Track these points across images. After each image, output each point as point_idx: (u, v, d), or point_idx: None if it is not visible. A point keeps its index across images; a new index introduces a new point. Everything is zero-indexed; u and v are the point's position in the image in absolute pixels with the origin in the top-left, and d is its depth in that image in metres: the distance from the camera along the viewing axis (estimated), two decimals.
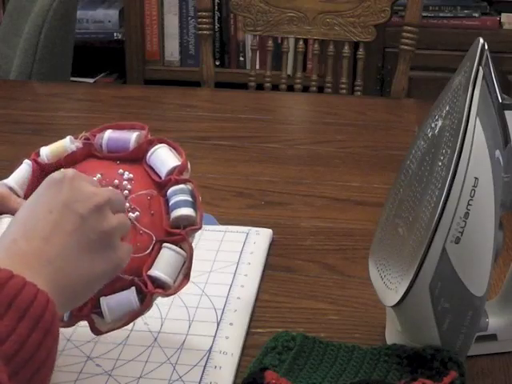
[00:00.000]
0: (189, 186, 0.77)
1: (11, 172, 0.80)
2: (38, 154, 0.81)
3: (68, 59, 2.10)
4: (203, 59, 1.88)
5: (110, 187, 0.74)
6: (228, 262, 0.95)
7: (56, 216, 0.64)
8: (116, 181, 0.76)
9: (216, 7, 2.55)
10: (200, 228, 0.76)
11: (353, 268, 0.97)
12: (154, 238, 0.74)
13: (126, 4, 2.56)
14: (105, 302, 0.71)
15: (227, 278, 0.92)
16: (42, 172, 0.80)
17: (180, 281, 0.74)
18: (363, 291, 0.90)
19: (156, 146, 0.79)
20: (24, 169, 0.80)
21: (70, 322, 0.73)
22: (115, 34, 2.59)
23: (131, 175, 0.77)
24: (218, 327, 0.83)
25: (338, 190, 1.18)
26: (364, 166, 1.27)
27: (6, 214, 0.77)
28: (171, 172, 0.78)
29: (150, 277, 0.73)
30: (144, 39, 2.61)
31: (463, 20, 2.45)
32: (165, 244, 0.74)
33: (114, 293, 0.72)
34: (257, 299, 0.89)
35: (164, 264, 0.73)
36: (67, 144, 0.81)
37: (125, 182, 0.76)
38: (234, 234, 1.01)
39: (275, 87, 1.91)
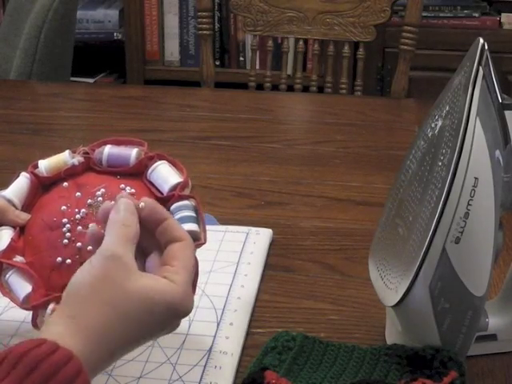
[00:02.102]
0: (192, 202, 0.77)
1: (11, 172, 0.80)
2: (35, 166, 0.80)
3: (68, 59, 2.10)
4: (203, 59, 1.88)
5: None
6: (228, 262, 0.95)
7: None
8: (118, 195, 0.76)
9: (216, 7, 2.55)
10: (204, 243, 0.76)
11: (353, 268, 0.97)
12: None
13: (125, 4, 2.56)
14: None
15: (227, 278, 0.92)
16: (40, 185, 0.79)
17: None
18: (363, 291, 0.90)
19: (156, 163, 0.79)
20: (22, 181, 0.79)
21: None
22: (115, 34, 2.60)
23: (133, 190, 0.77)
24: (217, 327, 0.83)
25: (338, 190, 1.18)
26: (364, 166, 1.27)
27: (5, 226, 0.77)
28: (173, 188, 0.77)
29: None
30: (144, 39, 2.61)
31: (463, 20, 2.45)
32: None
33: None
34: (257, 299, 0.89)
35: None
36: (67, 158, 0.79)
37: None
38: (234, 234, 1.01)
39: (275, 87, 1.91)
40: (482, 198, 0.70)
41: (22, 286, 0.74)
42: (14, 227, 0.77)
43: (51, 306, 0.72)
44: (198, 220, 0.76)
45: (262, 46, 2.17)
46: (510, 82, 2.38)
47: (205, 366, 0.77)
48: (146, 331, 0.65)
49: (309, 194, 1.17)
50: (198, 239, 0.75)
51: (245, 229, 1.02)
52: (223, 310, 0.86)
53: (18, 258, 0.75)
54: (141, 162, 0.79)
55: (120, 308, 0.63)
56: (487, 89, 0.71)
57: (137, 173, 0.79)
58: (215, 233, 1.01)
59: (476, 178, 0.70)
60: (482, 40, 0.72)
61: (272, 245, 1.01)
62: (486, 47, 0.71)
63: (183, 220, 0.75)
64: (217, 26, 2.58)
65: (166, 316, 0.65)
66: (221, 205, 1.12)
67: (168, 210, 0.76)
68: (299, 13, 1.82)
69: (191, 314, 0.84)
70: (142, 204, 0.69)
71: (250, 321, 0.86)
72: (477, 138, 0.70)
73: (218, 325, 0.83)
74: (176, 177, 0.78)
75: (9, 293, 0.74)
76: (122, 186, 0.77)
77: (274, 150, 1.33)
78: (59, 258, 0.74)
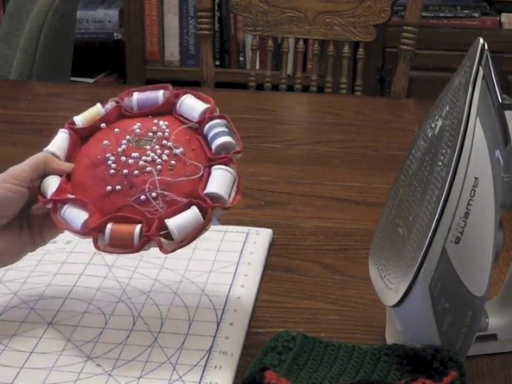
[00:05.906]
0: (223, 121, 0.82)
1: None
2: (71, 123, 0.85)
3: (68, 59, 2.10)
4: (203, 59, 1.88)
5: None
6: (228, 262, 0.95)
7: None
8: (154, 127, 0.81)
9: (216, 7, 2.55)
10: (240, 151, 0.80)
11: (353, 268, 0.97)
12: (202, 166, 0.79)
13: (126, 4, 2.56)
14: (171, 222, 0.75)
15: (227, 277, 0.92)
16: (78, 137, 0.84)
17: (233, 197, 0.78)
18: (363, 291, 0.90)
19: (183, 97, 0.84)
20: (62, 136, 0.84)
21: (139, 246, 0.76)
22: (115, 34, 2.60)
23: (166, 122, 0.82)
24: (217, 327, 0.83)
25: (338, 190, 1.18)
26: (364, 166, 1.27)
27: (52, 174, 0.81)
28: (203, 114, 0.82)
29: (206, 194, 0.77)
30: (144, 39, 2.61)
31: (463, 20, 2.45)
32: (214, 166, 0.79)
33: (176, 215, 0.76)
34: (257, 299, 0.89)
35: (217, 182, 0.78)
36: (99, 108, 0.85)
37: (163, 127, 0.81)
38: (234, 234, 1.01)
39: (275, 87, 1.91)
40: (481, 198, 0.70)
41: (78, 215, 0.77)
42: (60, 176, 0.81)
43: (109, 226, 0.76)
44: (231, 133, 0.81)
45: (262, 46, 2.17)
46: (510, 82, 2.38)
47: (205, 366, 0.77)
48: None
49: (309, 194, 1.17)
50: (234, 149, 0.80)
51: (245, 229, 1.02)
52: (223, 309, 0.86)
53: (69, 196, 0.79)
54: (168, 99, 0.84)
55: None
56: (487, 89, 0.71)
57: (166, 111, 0.84)
58: (215, 233, 1.01)
59: (476, 178, 0.70)
60: (481, 40, 0.72)
61: (272, 245, 1.01)
62: (486, 47, 0.71)
63: (218, 135, 0.80)
64: (217, 25, 2.58)
65: None
66: None
67: (202, 132, 0.82)
68: (299, 13, 1.82)
69: (191, 314, 0.85)
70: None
71: (250, 321, 0.86)
72: (477, 138, 0.70)
73: (218, 325, 0.83)
74: (203, 104, 0.83)
75: (67, 226, 0.78)
76: (155, 121, 0.82)
77: (274, 150, 1.33)
78: (109, 187, 0.78)
